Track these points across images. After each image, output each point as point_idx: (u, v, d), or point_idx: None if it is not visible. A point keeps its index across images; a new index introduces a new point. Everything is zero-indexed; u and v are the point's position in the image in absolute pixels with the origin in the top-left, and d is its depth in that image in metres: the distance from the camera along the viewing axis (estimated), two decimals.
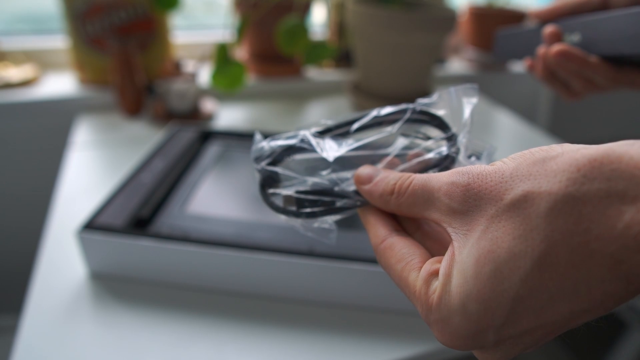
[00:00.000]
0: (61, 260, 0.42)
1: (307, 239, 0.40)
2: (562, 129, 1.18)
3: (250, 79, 0.85)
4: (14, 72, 0.76)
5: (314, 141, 0.26)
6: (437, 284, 0.19)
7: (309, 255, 0.37)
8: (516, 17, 0.99)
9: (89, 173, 0.57)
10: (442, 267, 0.19)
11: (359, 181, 0.24)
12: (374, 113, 0.26)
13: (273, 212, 0.25)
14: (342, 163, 0.25)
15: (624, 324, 0.92)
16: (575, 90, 0.43)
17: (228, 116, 0.77)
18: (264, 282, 0.39)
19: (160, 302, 0.39)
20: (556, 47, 0.38)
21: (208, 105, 0.77)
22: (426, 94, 0.81)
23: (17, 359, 0.33)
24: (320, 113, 0.81)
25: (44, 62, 0.84)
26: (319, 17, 0.95)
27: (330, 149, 0.25)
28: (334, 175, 0.24)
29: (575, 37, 0.38)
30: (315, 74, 0.91)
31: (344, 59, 0.94)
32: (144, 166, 0.48)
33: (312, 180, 0.25)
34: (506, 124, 0.81)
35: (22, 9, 0.99)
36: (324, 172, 0.25)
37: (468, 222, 0.18)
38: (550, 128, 1.17)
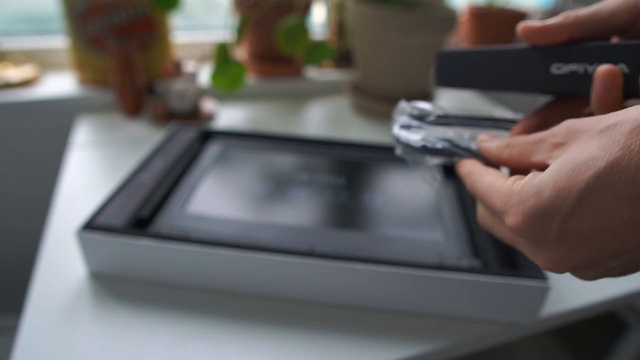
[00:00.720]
0: (61, 260, 0.42)
1: (307, 239, 0.40)
2: None
3: (250, 79, 0.85)
4: (14, 72, 0.76)
5: (443, 112, 0.35)
6: (522, 181, 0.23)
7: (309, 255, 0.37)
8: (516, 17, 0.99)
9: (89, 173, 0.57)
10: (530, 173, 0.23)
11: (481, 139, 0.30)
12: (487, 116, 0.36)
13: (398, 146, 0.33)
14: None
15: (624, 324, 0.92)
16: None
17: (228, 116, 0.77)
18: (264, 282, 0.39)
19: (160, 302, 0.39)
20: None
21: (208, 105, 0.77)
22: (426, 94, 0.81)
23: (17, 359, 0.33)
24: (320, 113, 0.81)
25: (44, 62, 0.84)
26: (319, 17, 0.95)
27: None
28: (453, 134, 0.33)
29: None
30: (315, 74, 0.91)
31: (344, 59, 0.94)
32: (144, 166, 0.48)
33: (438, 130, 0.33)
34: None
35: (22, 9, 1.00)
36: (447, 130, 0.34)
37: (567, 149, 0.22)
38: None
